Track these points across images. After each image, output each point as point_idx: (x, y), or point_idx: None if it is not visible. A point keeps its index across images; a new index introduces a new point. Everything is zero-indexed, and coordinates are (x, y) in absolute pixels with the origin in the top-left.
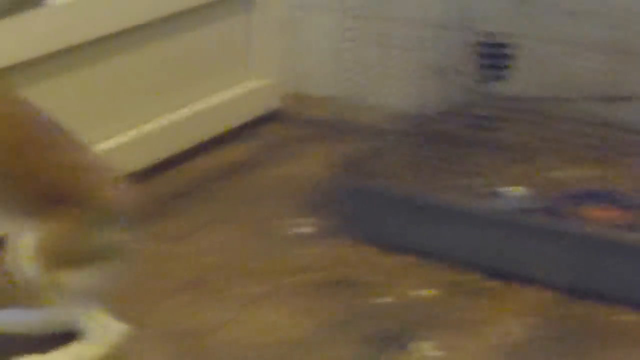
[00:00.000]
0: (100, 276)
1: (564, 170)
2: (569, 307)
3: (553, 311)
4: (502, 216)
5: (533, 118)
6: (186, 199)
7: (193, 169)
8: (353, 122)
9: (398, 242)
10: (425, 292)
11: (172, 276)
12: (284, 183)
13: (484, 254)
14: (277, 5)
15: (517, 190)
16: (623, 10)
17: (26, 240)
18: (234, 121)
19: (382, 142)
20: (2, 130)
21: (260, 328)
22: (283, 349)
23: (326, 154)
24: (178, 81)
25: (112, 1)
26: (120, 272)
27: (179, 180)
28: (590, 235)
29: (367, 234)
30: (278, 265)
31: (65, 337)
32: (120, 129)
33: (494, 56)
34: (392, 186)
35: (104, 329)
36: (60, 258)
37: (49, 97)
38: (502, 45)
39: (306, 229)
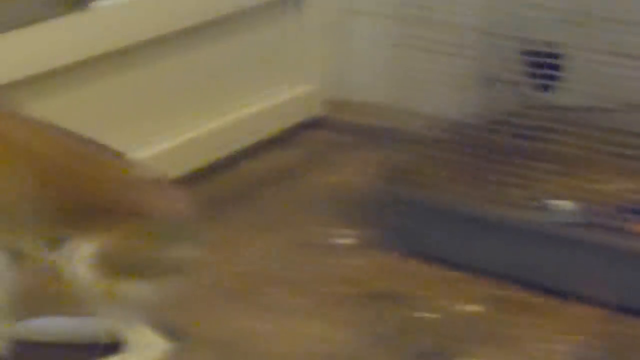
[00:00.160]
0: (157, 288)
1: (612, 183)
2: (614, 324)
3: (598, 329)
4: (548, 230)
5: (581, 129)
6: (228, 206)
7: (236, 176)
8: (398, 130)
9: (441, 254)
10: (468, 307)
11: (213, 283)
12: (327, 191)
13: (528, 268)
14: (323, 10)
15: (564, 204)
16: None
17: (85, 250)
18: (278, 127)
19: (428, 151)
20: (57, 155)
21: (301, 339)
22: None
23: (370, 162)
24: (222, 86)
25: (157, 5)
26: (177, 283)
27: (221, 187)
28: (637, 251)
29: (410, 246)
30: (320, 276)
31: (107, 347)
32: (165, 134)
33: (543, 65)
34: (437, 197)
35: (146, 343)
36: (117, 268)
37: (93, 101)
38: (551, 55)
39: (348, 240)
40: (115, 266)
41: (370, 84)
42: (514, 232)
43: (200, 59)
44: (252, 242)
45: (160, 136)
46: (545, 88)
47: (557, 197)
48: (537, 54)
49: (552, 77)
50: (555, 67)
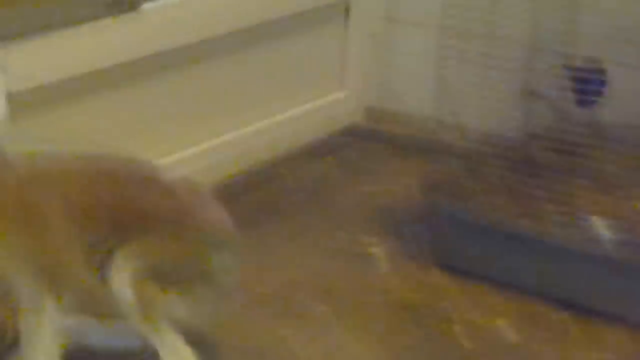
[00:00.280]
0: (196, 300)
1: None
2: None
3: (630, 349)
4: (583, 247)
5: (621, 146)
6: (265, 212)
7: (272, 183)
8: (437, 142)
9: (473, 268)
10: (497, 321)
11: (248, 291)
12: (364, 201)
13: (561, 285)
14: (367, 18)
15: (600, 221)
16: None
17: (126, 263)
18: (316, 134)
19: (466, 164)
20: (93, 178)
21: (331, 348)
22: None
23: (407, 174)
24: (261, 91)
25: (204, 9)
26: (219, 298)
27: (257, 194)
28: None
29: (442, 258)
30: (353, 286)
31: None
32: (203, 139)
33: (585, 81)
34: (472, 210)
35: (180, 353)
36: (158, 280)
37: (133, 101)
38: (593, 70)
39: (383, 250)
40: (155, 278)
41: (410, 94)
42: (548, 248)
43: (241, 63)
44: (289, 250)
45: (199, 140)
46: (587, 104)
47: (594, 214)
48: (579, 69)
49: (593, 93)
50: (598, 83)
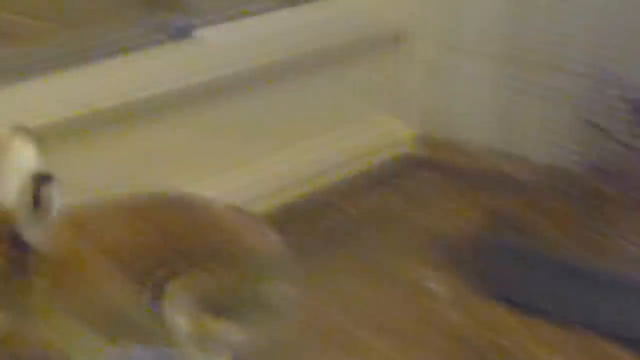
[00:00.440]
0: (251, 327)
1: None
2: None
3: None
4: None
5: None
6: (320, 243)
7: (327, 213)
8: (497, 174)
9: (537, 302)
10: (557, 358)
11: (309, 325)
12: (422, 232)
13: (626, 323)
14: (426, 47)
15: None
16: None
17: (181, 291)
18: (372, 162)
19: (528, 197)
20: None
21: None
22: None
23: (466, 205)
24: (316, 119)
25: (258, 36)
26: (274, 324)
27: (313, 224)
28: None
29: (505, 293)
30: (413, 320)
31: None
32: (256, 166)
33: None
34: (535, 244)
35: None
36: (212, 307)
37: (185, 128)
38: None
39: (443, 283)
40: (210, 306)
41: (467, 124)
42: (612, 283)
43: (295, 91)
44: (344, 281)
45: (252, 168)
46: None
47: None
48: None
49: None
50: None
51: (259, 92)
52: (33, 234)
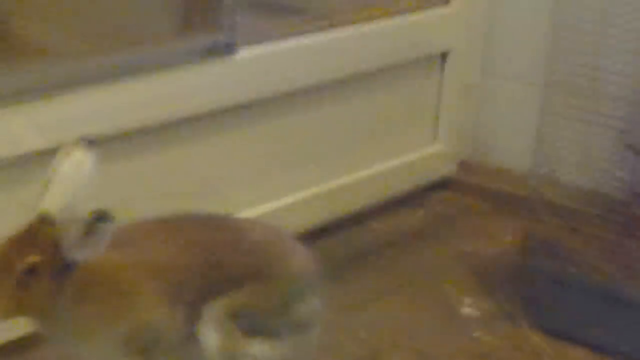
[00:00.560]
0: (283, 347)
1: None
2: None
3: None
4: None
5: None
6: (356, 265)
7: (363, 234)
8: (535, 198)
9: (575, 332)
10: None
11: (341, 349)
12: (458, 257)
13: None
14: (465, 71)
15: None
16: None
17: (215, 310)
18: (408, 186)
19: (566, 223)
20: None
21: None
22: None
23: (504, 230)
24: (354, 141)
25: (300, 57)
26: (307, 344)
27: (349, 244)
28: None
29: (542, 321)
30: (447, 348)
31: None
32: (292, 188)
33: None
34: (574, 272)
35: None
36: (246, 327)
37: (221, 149)
38: None
39: (478, 310)
40: (240, 326)
41: (506, 149)
42: None
43: (334, 113)
44: (382, 306)
45: (288, 190)
46: None
47: None
48: None
49: None
50: None
51: (297, 115)
52: (77, 256)
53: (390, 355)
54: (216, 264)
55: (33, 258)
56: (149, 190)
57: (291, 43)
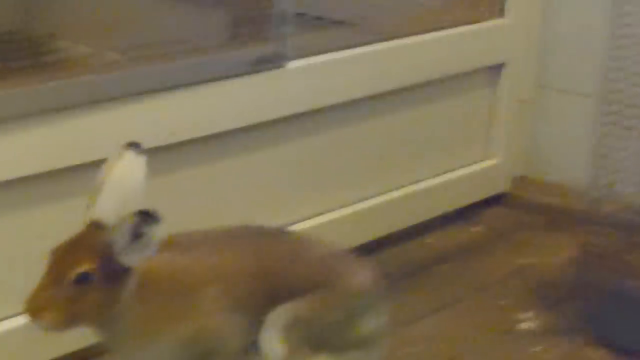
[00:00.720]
0: None
1: None
2: None
3: None
4: None
5: None
6: (411, 279)
7: (417, 249)
8: (592, 213)
9: (631, 346)
10: None
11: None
12: (514, 273)
13: None
14: (520, 84)
15: None
16: None
17: (277, 324)
18: (461, 201)
19: (627, 237)
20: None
21: None
22: None
23: (561, 245)
24: (407, 156)
25: (351, 70)
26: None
27: (403, 259)
28: None
29: (603, 337)
30: None
31: None
32: (343, 202)
33: None
34: (631, 285)
35: None
36: (307, 341)
37: (274, 162)
38: None
39: (536, 326)
40: (304, 339)
41: (562, 163)
42: None
43: (386, 126)
44: (438, 321)
45: (341, 204)
46: None
47: None
48: None
49: None
50: None
51: (349, 129)
52: (129, 261)
53: None
54: (280, 274)
55: (85, 266)
56: (200, 202)
57: (342, 55)
